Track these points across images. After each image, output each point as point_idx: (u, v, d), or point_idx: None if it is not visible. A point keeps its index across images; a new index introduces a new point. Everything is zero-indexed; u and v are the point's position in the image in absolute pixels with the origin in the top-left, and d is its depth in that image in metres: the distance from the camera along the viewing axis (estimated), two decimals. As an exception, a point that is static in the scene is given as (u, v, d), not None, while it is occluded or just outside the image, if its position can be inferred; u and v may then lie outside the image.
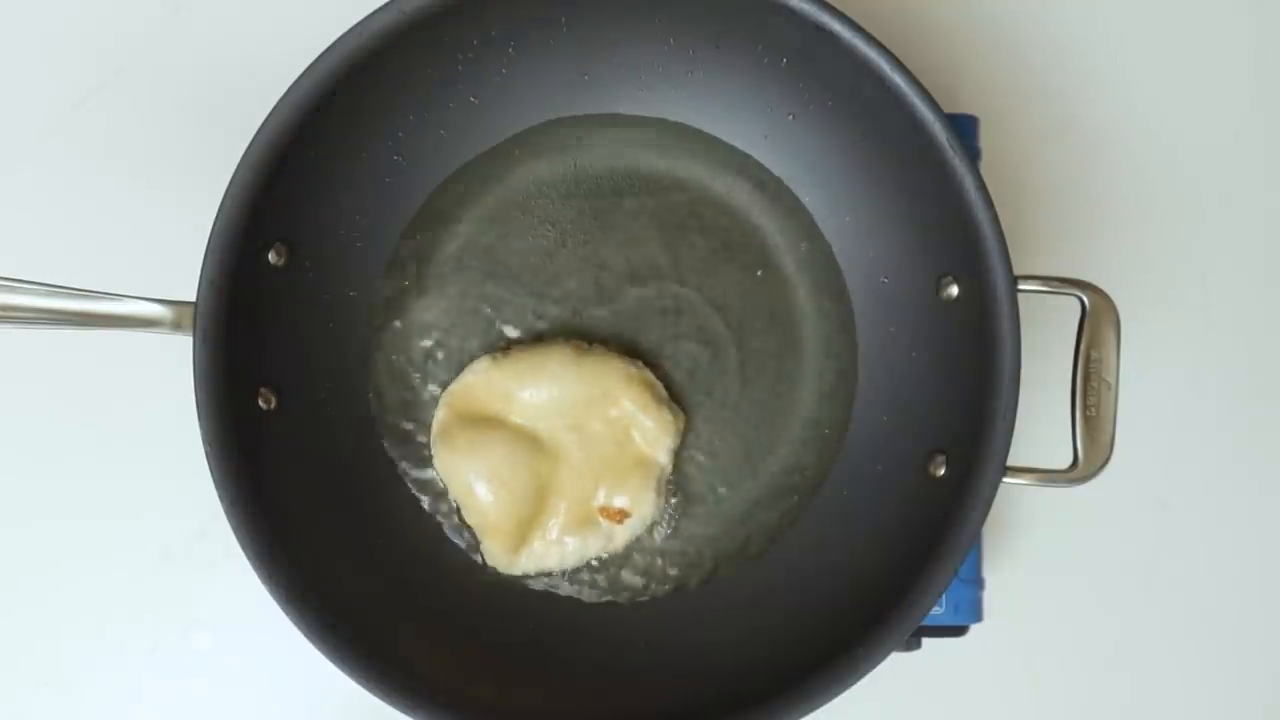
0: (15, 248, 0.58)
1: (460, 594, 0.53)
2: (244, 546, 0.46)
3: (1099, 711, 0.60)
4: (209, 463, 0.46)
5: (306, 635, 0.46)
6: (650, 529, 0.54)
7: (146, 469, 0.58)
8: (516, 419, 0.52)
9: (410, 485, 0.54)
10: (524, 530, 0.53)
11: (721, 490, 0.55)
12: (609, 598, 0.54)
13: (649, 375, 0.54)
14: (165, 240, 0.55)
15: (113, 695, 0.59)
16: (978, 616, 0.55)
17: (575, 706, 0.50)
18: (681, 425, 0.54)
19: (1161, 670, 0.60)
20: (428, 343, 0.55)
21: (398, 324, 0.55)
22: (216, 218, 0.47)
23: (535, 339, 0.55)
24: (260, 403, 0.49)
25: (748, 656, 0.50)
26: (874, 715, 0.57)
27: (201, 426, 0.46)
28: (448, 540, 0.54)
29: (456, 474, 0.52)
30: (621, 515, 0.53)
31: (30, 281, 0.46)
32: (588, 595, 0.54)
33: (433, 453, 0.53)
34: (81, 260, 0.58)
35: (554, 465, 0.52)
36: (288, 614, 0.46)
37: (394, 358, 0.55)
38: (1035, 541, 0.60)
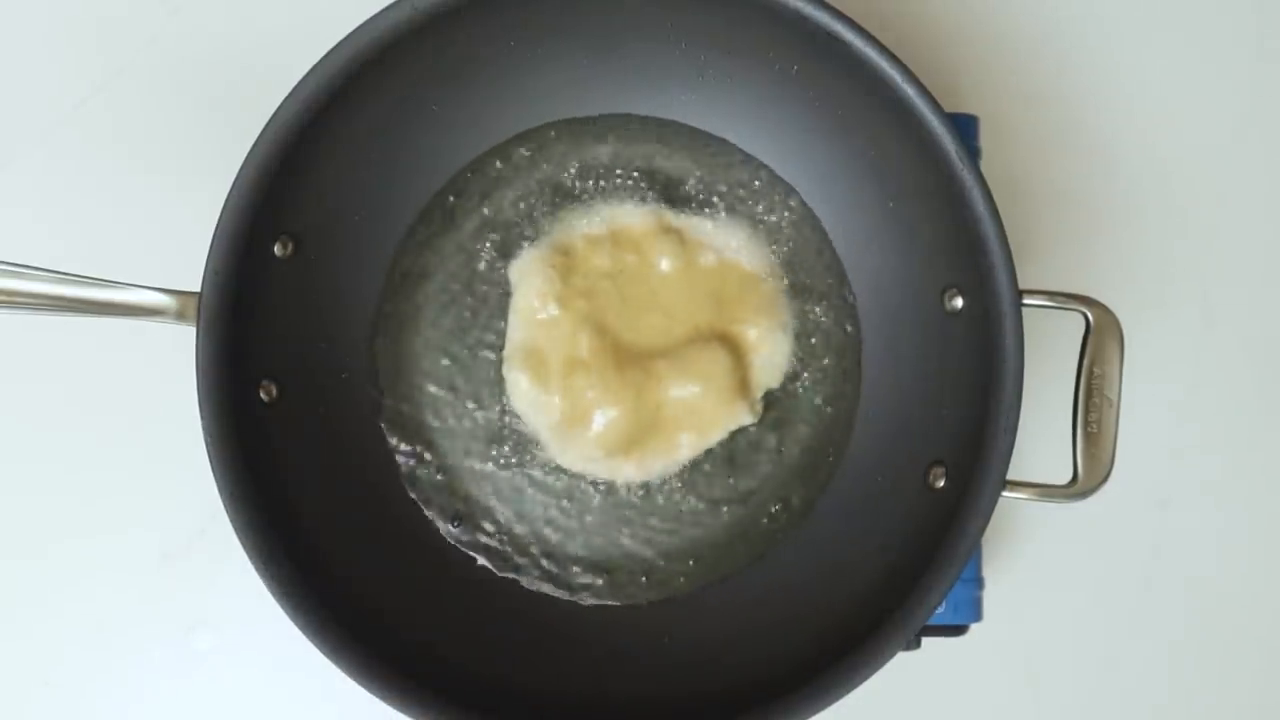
0: (21, 238, 0.58)
1: (460, 593, 0.53)
2: (243, 541, 0.46)
3: (1099, 711, 0.60)
4: (209, 454, 0.46)
5: (306, 634, 0.46)
6: (649, 534, 0.54)
7: (147, 468, 0.58)
8: None
9: (411, 482, 0.54)
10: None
11: (723, 495, 0.54)
12: (610, 600, 0.54)
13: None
14: (170, 231, 0.55)
15: (113, 695, 0.58)
16: (978, 616, 0.55)
17: (575, 708, 0.50)
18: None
19: (1161, 670, 0.60)
20: (429, 339, 0.55)
21: (400, 319, 0.55)
22: (222, 211, 0.47)
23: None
24: (262, 395, 0.49)
25: (745, 660, 0.50)
26: (874, 715, 0.57)
27: (203, 417, 0.46)
28: (448, 539, 0.54)
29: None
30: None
31: (35, 267, 0.46)
32: (587, 598, 0.54)
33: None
34: (87, 250, 0.57)
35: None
36: (287, 612, 0.46)
37: (396, 353, 0.55)
38: (1035, 541, 0.60)
